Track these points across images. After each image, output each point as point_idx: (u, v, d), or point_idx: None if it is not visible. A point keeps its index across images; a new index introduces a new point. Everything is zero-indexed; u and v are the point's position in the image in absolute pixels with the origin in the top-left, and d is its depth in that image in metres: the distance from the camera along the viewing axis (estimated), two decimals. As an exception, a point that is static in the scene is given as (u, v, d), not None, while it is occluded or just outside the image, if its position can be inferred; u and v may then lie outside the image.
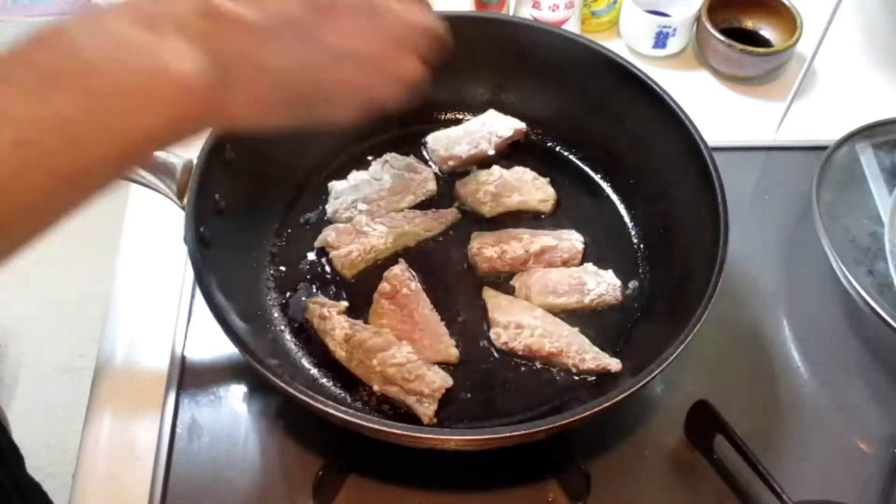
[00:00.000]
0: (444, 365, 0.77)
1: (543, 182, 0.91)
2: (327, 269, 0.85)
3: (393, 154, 0.92)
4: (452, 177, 0.92)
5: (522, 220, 0.89)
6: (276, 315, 0.81)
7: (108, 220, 0.89)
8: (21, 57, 0.45)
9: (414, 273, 0.84)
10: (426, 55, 0.60)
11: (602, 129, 0.92)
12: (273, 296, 0.83)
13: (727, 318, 0.86)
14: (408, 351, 0.76)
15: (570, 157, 0.95)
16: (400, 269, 0.83)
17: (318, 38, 0.54)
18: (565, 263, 0.85)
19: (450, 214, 0.89)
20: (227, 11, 0.50)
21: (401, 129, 0.95)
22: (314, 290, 0.83)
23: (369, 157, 0.92)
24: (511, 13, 1.10)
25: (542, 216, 0.90)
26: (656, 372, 0.66)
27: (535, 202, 0.90)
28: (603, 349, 0.79)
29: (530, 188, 0.90)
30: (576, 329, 0.80)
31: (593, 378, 0.77)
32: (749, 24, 1.12)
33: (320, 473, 0.72)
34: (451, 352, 0.78)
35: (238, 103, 0.51)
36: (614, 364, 0.77)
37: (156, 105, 0.46)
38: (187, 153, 0.77)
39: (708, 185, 0.78)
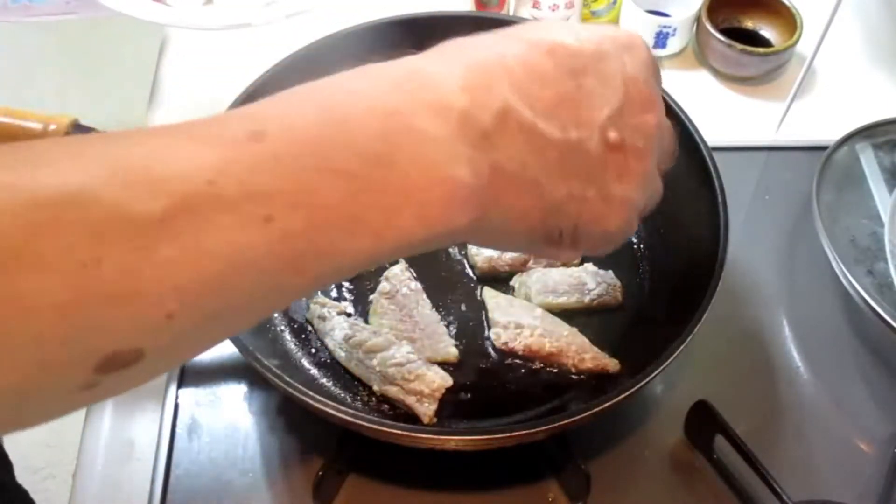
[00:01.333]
0: (444, 365, 0.77)
1: (543, 182, 0.91)
2: (327, 269, 0.84)
3: (393, 154, 0.92)
4: (452, 177, 0.92)
5: (522, 220, 0.89)
6: (276, 315, 0.81)
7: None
8: (292, 112, 0.39)
9: (414, 273, 0.84)
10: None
11: (602, 129, 0.92)
12: (273, 296, 0.82)
13: (727, 318, 0.86)
14: (407, 351, 0.76)
15: (570, 157, 0.95)
16: (400, 269, 0.83)
17: (600, 175, 0.47)
18: (565, 263, 0.85)
19: (450, 214, 0.89)
20: (525, 121, 0.43)
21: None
22: (314, 290, 0.83)
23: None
24: (511, 13, 1.10)
25: (542, 216, 0.90)
26: (656, 372, 0.66)
27: (535, 202, 0.90)
28: (603, 349, 0.79)
29: (530, 188, 0.90)
30: (576, 329, 0.80)
31: (593, 378, 0.77)
32: (749, 24, 1.12)
33: (320, 473, 0.72)
34: (451, 352, 0.78)
35: (495, 225, 0.45)
36: (613, 364, 0.77)
37: (421, 209, 0.40)
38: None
39: (708, 185, 0.78)
